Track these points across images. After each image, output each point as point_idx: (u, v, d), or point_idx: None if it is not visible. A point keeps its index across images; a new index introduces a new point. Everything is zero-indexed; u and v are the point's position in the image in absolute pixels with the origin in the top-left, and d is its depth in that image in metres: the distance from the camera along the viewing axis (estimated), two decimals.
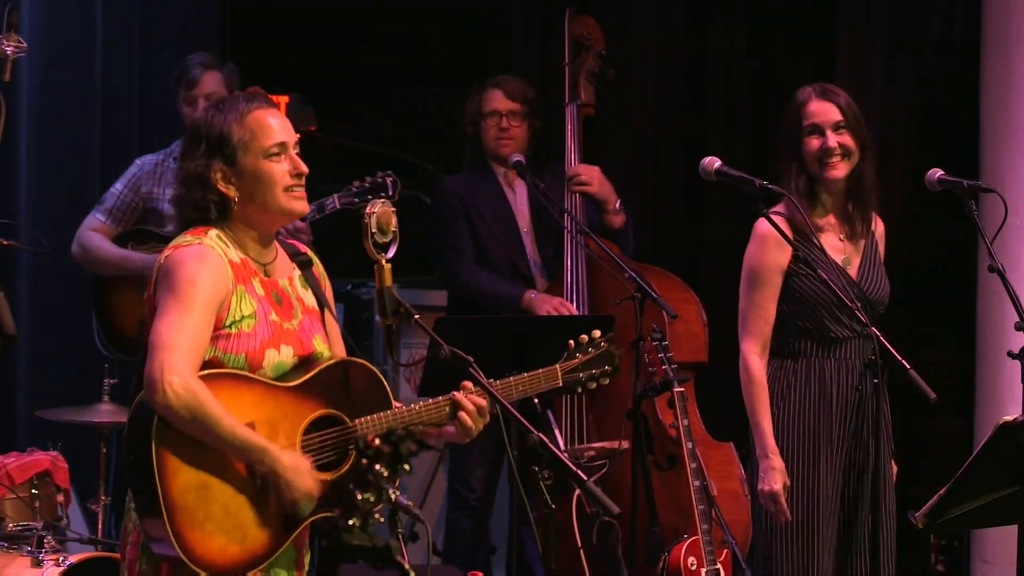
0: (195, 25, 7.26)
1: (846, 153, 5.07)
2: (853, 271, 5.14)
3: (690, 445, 5.65)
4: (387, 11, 8.24)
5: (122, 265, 6.27)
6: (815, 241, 5.07)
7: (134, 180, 6.37)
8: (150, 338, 3.81)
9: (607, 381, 4.28)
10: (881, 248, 5.25)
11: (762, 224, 5.05)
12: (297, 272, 4.07)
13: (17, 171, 6.84)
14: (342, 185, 6.50)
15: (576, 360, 4.24)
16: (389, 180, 5.99)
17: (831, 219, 5.16)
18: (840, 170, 5.07)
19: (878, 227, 5.26)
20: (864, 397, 5.01)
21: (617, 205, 6.45)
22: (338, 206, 6.16)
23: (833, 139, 5.05)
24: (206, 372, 3.80)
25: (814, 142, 5.07)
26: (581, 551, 5.94)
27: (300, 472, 3.82)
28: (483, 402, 4.00)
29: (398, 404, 4.00)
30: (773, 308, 5.14)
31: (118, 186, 6.38)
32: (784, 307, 5.13)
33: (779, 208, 5.08)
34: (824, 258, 5.08)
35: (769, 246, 5.06)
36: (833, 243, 5.14)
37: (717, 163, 5.00)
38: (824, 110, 5.08)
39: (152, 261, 6.11)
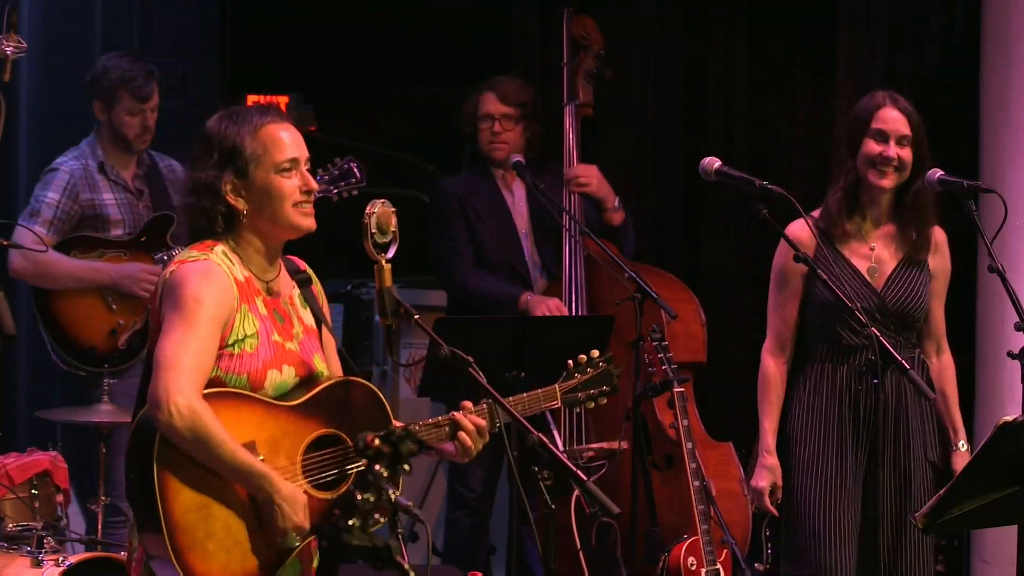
0: (195, 25, 7.25)
1: (901, 167, 5.10)
2: (879, 281, 5.15)
3: (690, 445, 5.64)
4: (387, 11, 8.24)
5: (88, 277, 6.12)
6: (838, 246, 5.11)
7: (70, 189, 6.16)
8: (155, 356, 3.81)
9: (605, 401, 4.30)
10: (936, 261, 5.22)
11: (790, 227, 5.07)
12: (296, 291, 4.07)
13: (17, 171, 6.84)
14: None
15: (575, 380, 4.25)
16: (354, 165, 5.98)
17: (867, 227, 5.17)
18: (888, 180, 5.10)
19: (936, 238, 5.25)
20: (872, 399, 5.00)
21: (616, 203, 6.45)
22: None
23: (894, 150, 5.08)
24: (208, 391, 3.80)
25: (875, 147, 5.09)
26: (580, 553, 5.93)
27: (296, 504, 3.82)
28: (483, 422, 4.01)
29: (398, 423, 4.00)
30: (793, 310, 5.19)
31: (53, 195, 6.16)
32: (804, 312, 5.18)
33: (814, 212, 5.11)
34: (843, 263, 5.11)
35: (789, 251, 5.03)
36: (861, 251, 5.16)
37: (717, 163, 5.01)
38: (895, 120, 5.11)
39: (126, 271, 6.11)
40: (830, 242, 5.14)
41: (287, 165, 3.93)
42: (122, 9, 7.09)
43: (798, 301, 5.20)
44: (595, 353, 4.28)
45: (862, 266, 5.16)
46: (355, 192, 5.97)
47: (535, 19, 7.51)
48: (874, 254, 5.18)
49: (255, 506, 3.82)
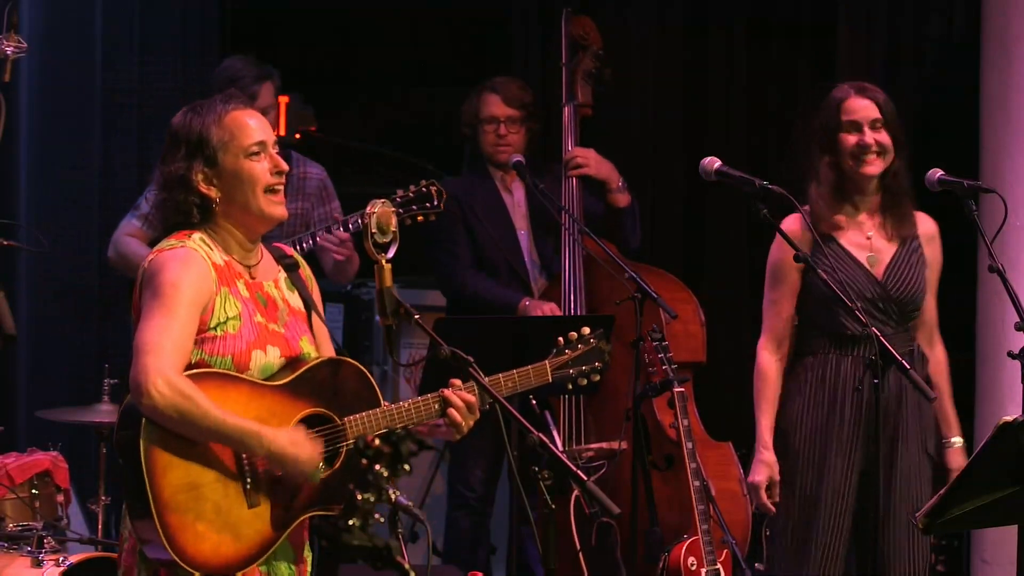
0: (195, 25, 7.25)
1: (882, 151, 5.12)
2: (879, 269, 5.16)
3: (690, 445, 5.64)
4: (387, 11, 8.24)
5: None
6: (835, 237, 5.12)
7: None
8: (135, 342, 3.82)
9: (598, 378, 4.28)
10: (930, 250, 5.24)
11: (785, 222, 5.08)
12: (283, 275, 4.08)
13: (17, 171, 6.84)
14: (339, 185, 6.49)
15: (565, 356, 4.24)
16: (434, 190, 5.89)
17: (861, 217, 5.18)
18: (875, 167, 5.12)
19: (926, 228, 5.26)
20: (871, 396, 5.00)
21: (620, 183, 6.43)
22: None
23: (870, 136, 5.10)
24: (192, 372, 3.81)
25: (851, 138, 5.11)
26: (580, 554, 5.93)
27: (300, 443, 3.84)
28: (472, 398, 4.01)
29: (386, 402, 4.01)
30: (789, 305, 5.19)
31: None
32: (802, 304, 5.17)
33: (805, 207, 5.11)
34: (843, 255, 5.12)
35: (783, 245, 5.05)
36: (858, 241, 5.17)
37: (717, 163, 5.02)
38: (863, 107, 5.13)
39: None
40: (828, 234, 5.14)
41: (255, 149, 3.95)
42: (122, 9, 7.08)
43: (795, 296, 5.20)
44: (586, 330, 4.28)
45: (861, 256, 5.17)
46: (432, 217, 5.92)
47: (535, 19, 7.51)
48: (871, 243, 5.19)
49: (245, 485, 3.83)
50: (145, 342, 3.79)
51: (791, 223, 5.11)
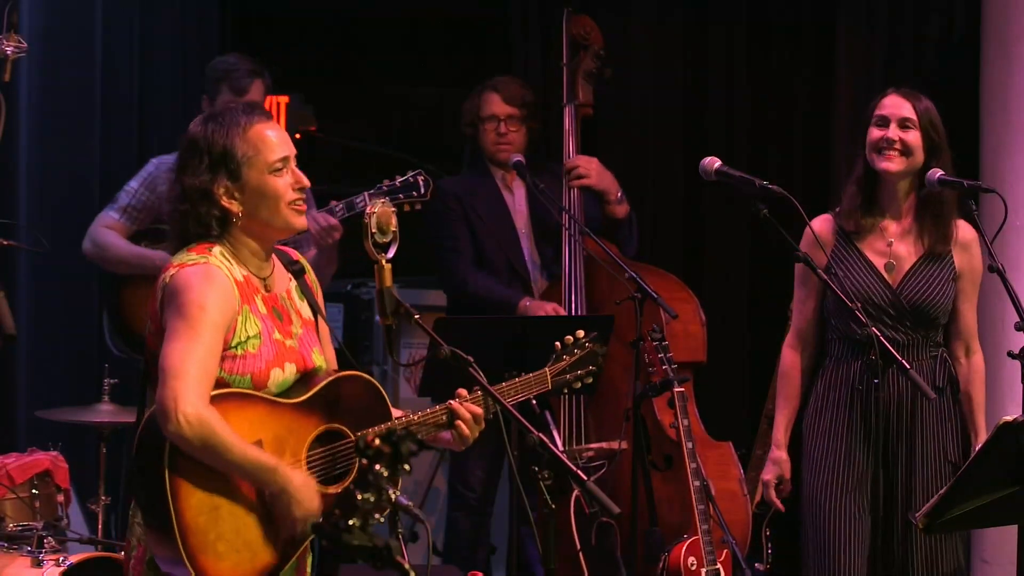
0: (195, 25, 7.26)
1: (905, 151, 5.10)
2: (896, 277, 5.15)
3: (690, 445, 5.65)
4: (386, 11, 8.24)
5: (138, 263, 6.10)
6: (855, 242, 5.13)
7: (150, 179, 6.18)
8: (160, 364, 3.80)
9: (591, 380, 4.32)
10: (962, 259, 5.20)
11: (814, 222, 5.14)
12: (293, 283, 4.08)
13: (17, 171, 6.83)
14: (339, 185, 6.49)
15: (564, 362, 4.28)
16: (421, 179, 5.92)
17: (884, 222, 5.18)
18: (893, 163, 5.11)
19: (961, 235, 5.22)
20: (874, 398, 4.99)
21: (619, 195, 6.44)
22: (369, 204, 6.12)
23: (895, 132, 5.11)
24: (213, 393, 3.81)
25: (876, 132, 5.12)
26: (580, 553, 5.93)
27: (309, 491, 3.85)
28: (479, 410, 4.03)
29: (398, 414, 4.01)
30: (810, 305, 5.25)
31: (133, 184, 6.21)
32: (823, 307, 5.21)
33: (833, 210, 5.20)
34: (858, 259, 5.12)
35: (806, 246, 5.12)
36: (878, 247, 5.17)
37: (717, 163, 5.03)
38: (896, 104, 5.15)
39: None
40: (847, 237, 5.16)
41: (279, 164, 3.94)
42: (122, 9, 7.09)
43: (817, 297, 5.23)
44: (580, 333, 4.31)
45: (878, 262, 5.17)
46: (418, 207, 5.93)
47: (535, 19, 7.50)
48: (891, 250, 5.18)
49: (263, 506, 3.84)
50: (172, 366, 3.77)
51: (818, 224, 5.17)
